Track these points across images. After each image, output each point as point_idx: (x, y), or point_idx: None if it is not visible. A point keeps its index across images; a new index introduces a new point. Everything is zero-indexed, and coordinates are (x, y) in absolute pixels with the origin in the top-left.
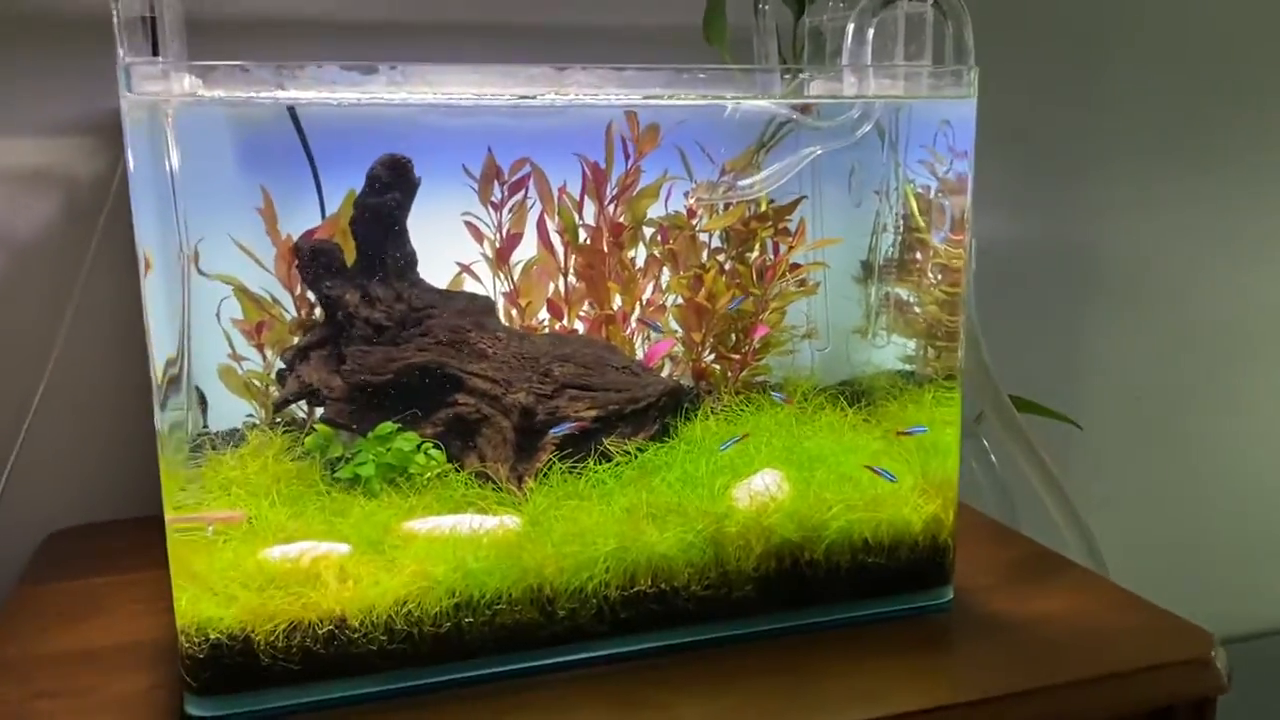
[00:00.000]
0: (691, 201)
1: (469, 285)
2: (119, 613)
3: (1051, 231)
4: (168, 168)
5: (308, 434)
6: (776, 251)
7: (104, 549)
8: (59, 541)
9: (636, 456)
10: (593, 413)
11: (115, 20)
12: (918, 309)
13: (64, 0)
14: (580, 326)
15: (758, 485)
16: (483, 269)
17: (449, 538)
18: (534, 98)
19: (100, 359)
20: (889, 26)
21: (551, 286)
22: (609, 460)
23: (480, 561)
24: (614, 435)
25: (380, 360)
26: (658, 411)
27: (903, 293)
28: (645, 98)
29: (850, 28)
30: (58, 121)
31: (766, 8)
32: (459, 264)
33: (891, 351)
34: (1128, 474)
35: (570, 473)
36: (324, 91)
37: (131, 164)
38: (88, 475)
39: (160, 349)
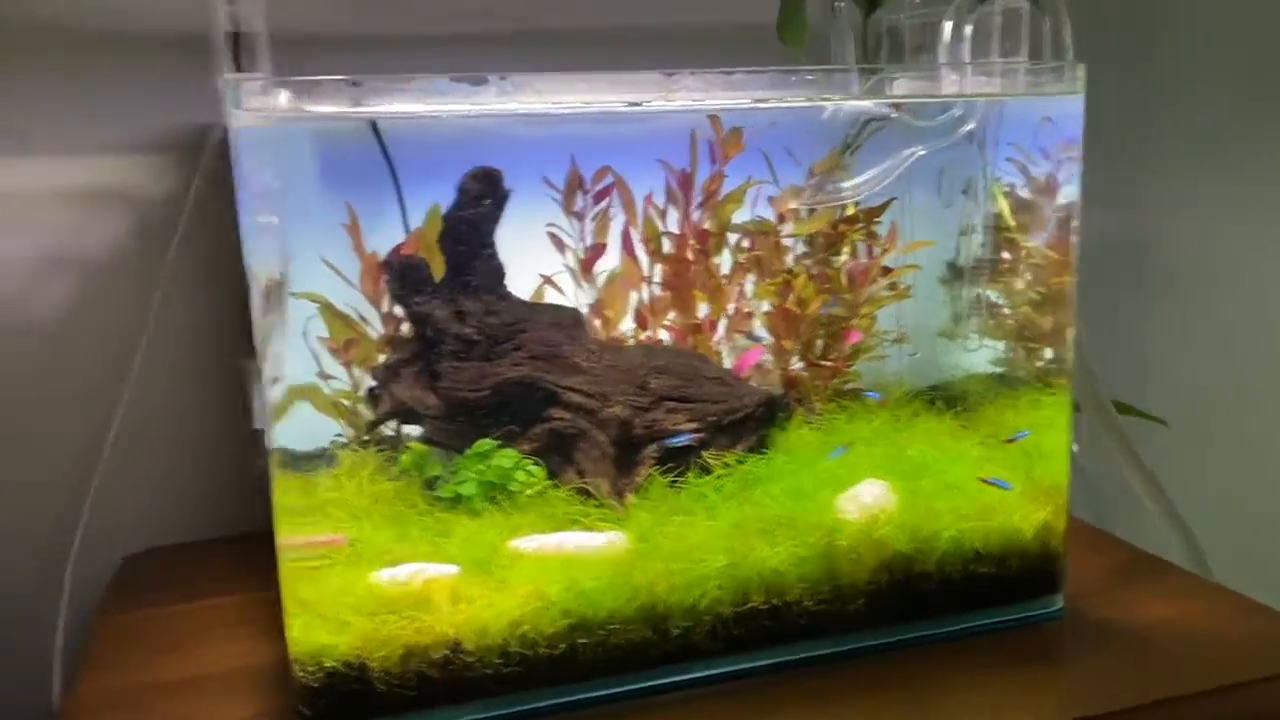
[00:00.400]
0: (793, 205)
1: (549, 296)
2: (213, 639)
3: (1116, 227)
4: (273, 185)
5: (403, 453)
6: (870, 255)
7: (182, 574)
8: (135, 566)
9: (736, 469)
10: (691, 425)
11: (215, 37)
12: (1007, 310)
13: (130, 19)
14: (664, 336)
15: (866, 496)
16: (564, 280)
17: (560, 557)
18: (641, 105)
19: (173, 382)
20: (985, 23)
21: (635, 296)
22: (708, 473)
23: (593, 580)
24: (712, 447)
25: (476, 376)
26: (755, 422)
27: (992, 294)
28: (755, 101)
29: (947, 25)
30: (126, 140)
31: (841, 5)
32: (542, 276)
33: (983, 354)
34: (1195, 473)
35: (671, 487)
36: (435, 104)
37: (242, 181)
38: (159, 499)
39: (277, 368)
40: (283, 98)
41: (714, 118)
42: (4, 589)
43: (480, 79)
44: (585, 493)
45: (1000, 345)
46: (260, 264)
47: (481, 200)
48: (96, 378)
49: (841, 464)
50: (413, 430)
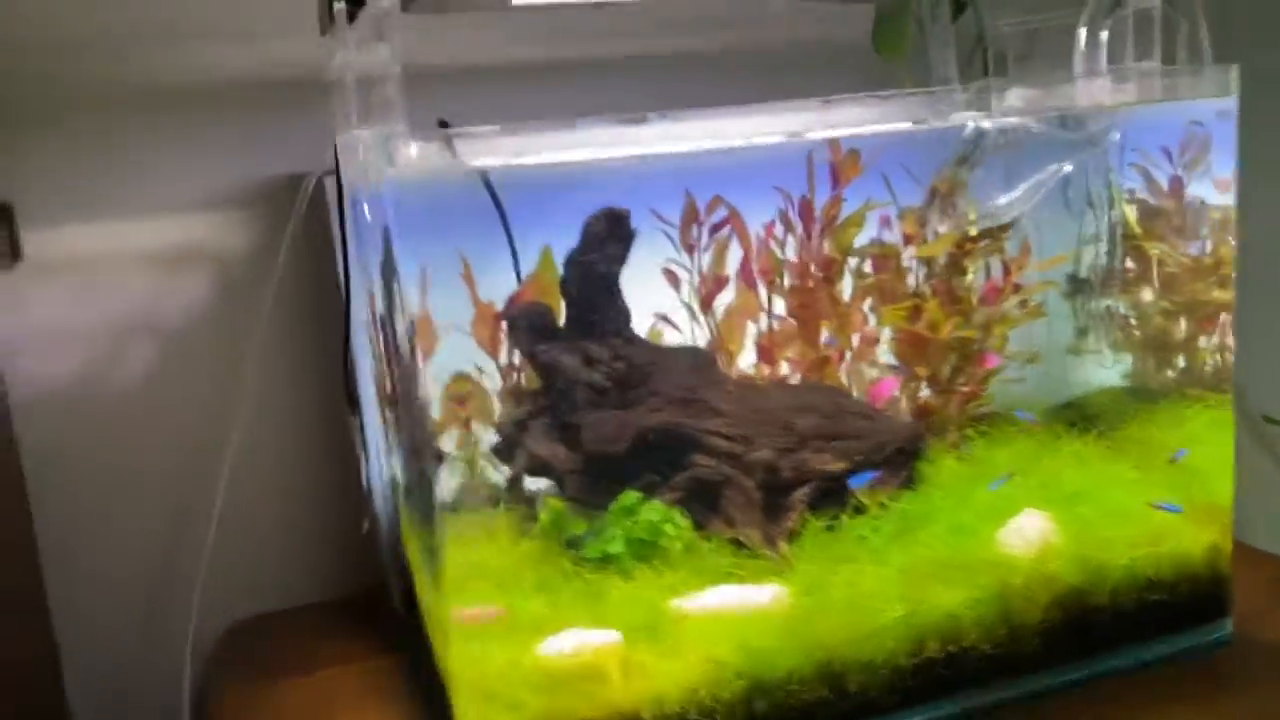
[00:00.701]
0: (942, 228)
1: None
2: (342, 714)
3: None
4: (424, 237)
5: (541, 511)
6: (1006, 273)
7: (293, 642)
8: (244, 635)
9: (891, 508)
10: (841, 465)
11: (340, 86)
12: (1147, 322)
13: (208, 71)
14: (785, 369)
15: (1030, 529)
16: (677, 315)
17: (727, 615)
18: (802, 134)
19: (274, 441)
20: (1118, 27)
21: (754, 329)
22: (861, 514)
23: (765, 639)
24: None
25: (616, 427)
26: (904, 457)
27: (1122, 306)
28: (915, 123)
29: (1082, 32)
30: (207, 195)
31: (942, 13)
32: (658, 315)
33: (1117, 370)
34: None
35: (828, 531)
36: (600, 149)
37: (397, 232)
38: (264, 563)
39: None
40: (414, 149)
41: (833, 141)
42: (116, 667)
43: (640, 118)
44: (736, 543)
45: (1137, 359)
46: (417, 317)
47: (607, 241)
48: (192, 442)
49: (998, 495)
50: (538, 485)
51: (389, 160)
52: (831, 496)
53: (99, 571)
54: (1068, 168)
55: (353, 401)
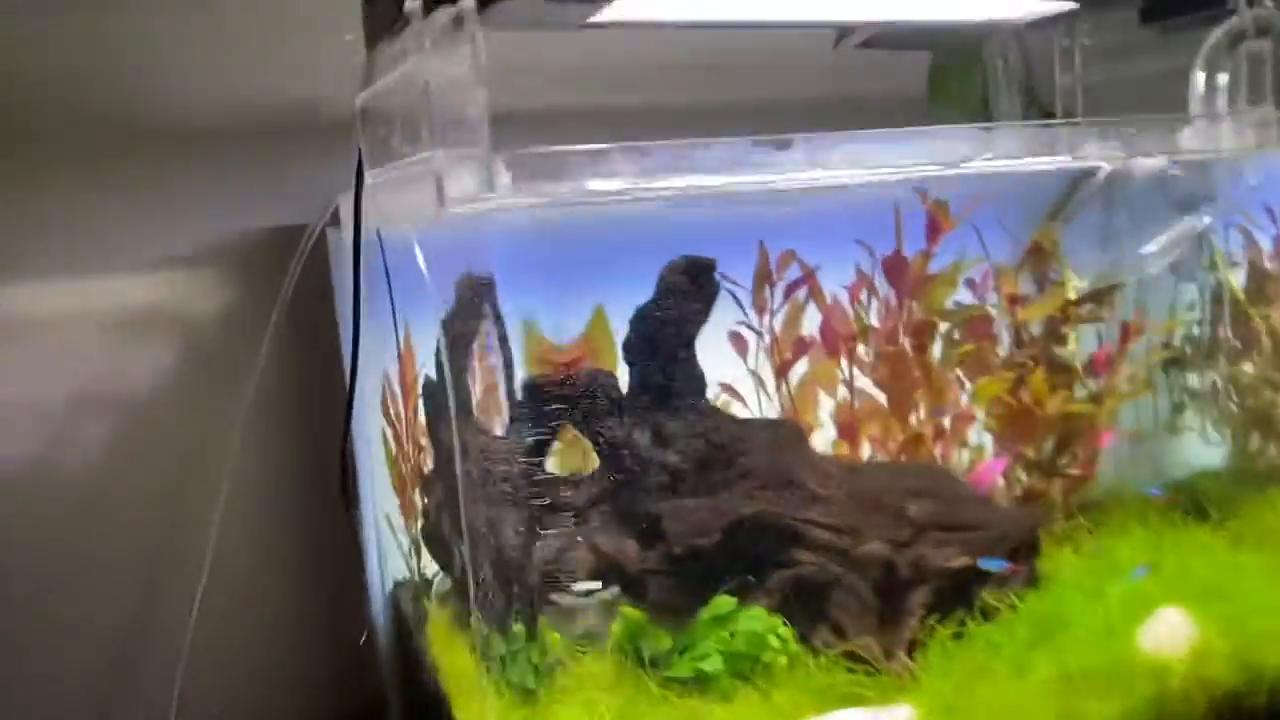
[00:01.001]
0: (1072, 287)
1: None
2: None
3: None
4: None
5: (613, 622)
6: (1123, 339)
7: None
8: None
9: (1023, 609)
10: (965, 561)
11: (433, 99)
12: (1235, 396)
13: (170, 115)
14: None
15: (1178, 628)
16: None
17: None
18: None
19: (256, 536)
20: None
21: (831, 403)
22: (987, 617)
23: None
24: (987, 584)
25: (708, 516)
26: (1026, 549)
27: (1222, 379)
28: (1076, 156)
29: (1198, 75)
30: (172, 252)
31: (1012, 59)
32: (722, 385)
33: (1217, 449)
34: None
35: (954, 639)
36: (732, 175)
37: (506, 281)
38: (241, 683)
39: None
40: (507, 179)
41: (922, 191)
42: None
43: (785, 141)
44: (852, 655)
45: (1240, 436)
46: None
47: (689, 298)
48: (161, 536)
49: (1131, 591)
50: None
51: (488, 186)
52: (952, 597)
53: (47, 691)
54: (1206, 219)
55: (349, 496)
